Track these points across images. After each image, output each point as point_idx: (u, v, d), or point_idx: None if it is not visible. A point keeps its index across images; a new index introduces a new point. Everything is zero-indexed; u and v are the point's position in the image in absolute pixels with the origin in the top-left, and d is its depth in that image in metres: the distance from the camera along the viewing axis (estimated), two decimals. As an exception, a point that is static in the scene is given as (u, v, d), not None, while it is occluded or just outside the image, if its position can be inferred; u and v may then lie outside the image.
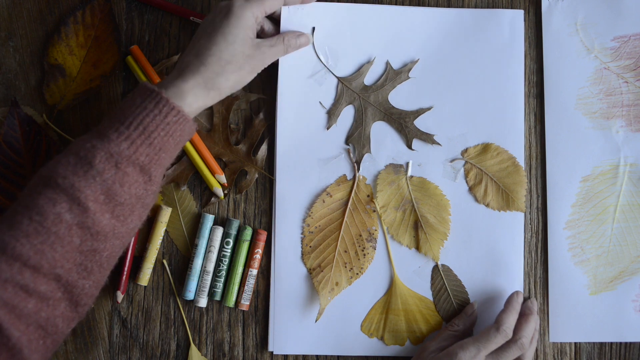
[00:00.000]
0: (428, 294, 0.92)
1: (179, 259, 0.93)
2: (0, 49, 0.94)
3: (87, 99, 0.94)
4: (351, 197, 0.92)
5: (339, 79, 0.92)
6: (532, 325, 0.87)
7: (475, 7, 0.94)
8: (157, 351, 0.92)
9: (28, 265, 0.70)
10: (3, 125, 0.91)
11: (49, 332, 0.73)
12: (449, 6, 0.94)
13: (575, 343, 0.92)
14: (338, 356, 0.92)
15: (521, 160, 0.92)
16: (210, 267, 0.91)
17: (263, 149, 0.93)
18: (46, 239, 0.71)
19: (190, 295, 0.91)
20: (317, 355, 0.92)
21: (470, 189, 0.92)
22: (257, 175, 0.93)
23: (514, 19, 0.93)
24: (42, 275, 0.71)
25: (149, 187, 0.77)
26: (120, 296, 0.91)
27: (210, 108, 0.93)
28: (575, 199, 0.92)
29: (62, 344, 0.91)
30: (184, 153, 0.92)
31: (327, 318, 0.91)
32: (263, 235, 0.91)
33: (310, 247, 0.91)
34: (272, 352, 0.91)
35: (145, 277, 0.91)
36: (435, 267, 0.92)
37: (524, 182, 0.92)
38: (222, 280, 0.91)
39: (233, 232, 0.92)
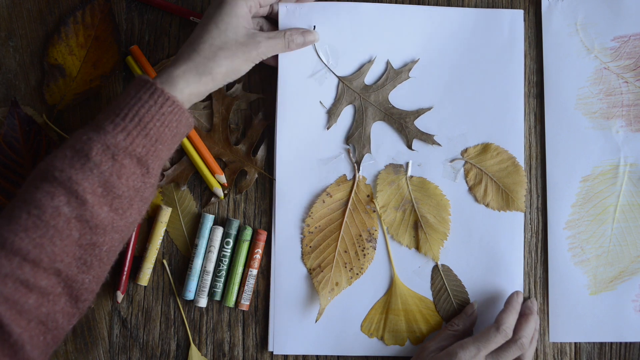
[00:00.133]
0: (428, 294, 0.92)
1: (179, 259, 0.93)
2: (0, 49, 0.94)
3: (87, 99, 0.94)
4: (351, 197, 0.92)
5: (340, 79, 0.92)
6: (532, 325, 0.87)
7: (475, 7, 0.94)
8: (157, 351, 0.92)
9: (28, 260, 0.70)
10: (3, 125, 0.92)
11: (49, 328, 0.72)
12: (449, 6, 0.94)
13: (575, 343, 0.92)
14: (338, 356, 0.92)
15: (521, 160, 0.92)
16: (210, 267, 0.91)
17: (263, 149, 0.93)
18: (45, 232, 0.71)
19: (190, 295, 0.91)
20: (317, 356, 0.92)
21: (470, 189, 0.92)
22: (257, 175, 0.93)
23: (514, 19, 0.93)
24: (42, 269, 0.71)
25: (147, 180, 0.77)
26: (120, 296, 0.91)
27: (210, 108, 0.93)
28: (575, 199, 0.92)
29: (62, 344, 0.91)
30: (183, 153, 0.92)
31: (327, 318, 0.91)
32: (263, 235, 0.91)
33: (310, 247, 0.91)
34: (272, 352, 0.91)
35: (145, 277, 0.91)
36: (435, 267, 0.92)
37: (523, 182, 0.92)
38: (222, 280, 0.91)
39: (233, 232, 0.92)
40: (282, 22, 0.90)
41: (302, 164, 0.92)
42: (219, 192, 0.92)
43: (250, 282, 0.91)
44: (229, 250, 0.92)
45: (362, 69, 0.92)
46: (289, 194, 0.92)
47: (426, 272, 0.92)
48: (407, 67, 0.92)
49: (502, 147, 0.92)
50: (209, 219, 0.92)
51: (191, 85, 0.80)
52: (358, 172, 0.92)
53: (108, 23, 0.94)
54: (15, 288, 0.69)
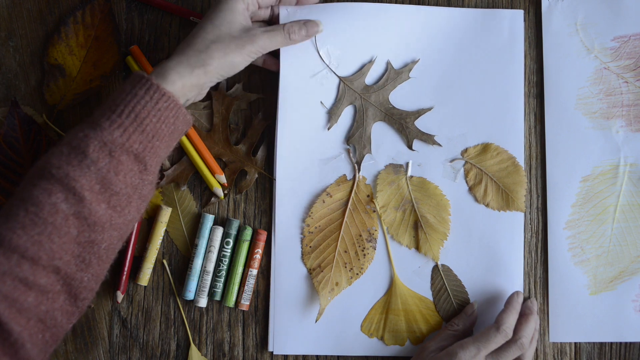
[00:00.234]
0: (428, 294, 0.92)
1: (179, 259, 0.93)
2: (0, 49, 0.94)
3: (87, 99, 0.94)
4: (351, 197, 0.92)
5: (341, 79, 0.92)
6: (532, 325, 0.87)
7: (475, 7, 0.94)
8: (157, 351, 0.92)
9: (26, 257, 0.70)
10: (3, 125, 0.92)
11: (48, 326, 0.72)
12: (449, 6, 0.94)
13: (575, 343, 0.92)
14: (338, 356, 0.92)
15: (521, 160, 0.92)
16: (210, 267, 0.91)
17: (263, 149, 0.93)
18: (43, 229, 0.71)
19: (190, 295, 0.91)
20: (317, 356, 0.92)
21: (470, 189, 0.92)
22: (257, 175, 0.93)
23: (514, 19, 0.93)
24: (40, 267, 0.71)
25: (144, 177, 0.77)
26: (120, 296, 0.91)
27: (210, 108, 0.93)
28: (575, 199, 0.92)
29: (62, 344, 0.91)
30: (183, 153, 0.92)
31: (327, 318, 0.91)
32: (263, 235, 0.91)
33: (310, 247, 0.91)
34: (272, 353, 0.91)
35: (145, 277, 0.91)
36: (435, 267, 0.92)
37: (523, 182, 0.92)
38: (222, 280, 0.91)
39: (233, 232, 0.92)
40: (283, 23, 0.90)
41: (302, 164, 0.92)
42: (219, 192, 0.92)
43: (250, 282, 0.91)
44: (229, 250, 0.92)
45: (362, 70, 0.92)
46: (289, 194, 0.92)
47: (426, 272, 0.92)
48: (407, 67, 0.92)
49: (502, 147, 0.92)
50: (209, 219, 0.92)
51: (184, 77, 0.79)
52: (359, 172, 0.92)
53: (108, 23, 0.94)
54: (14, 286, 0.69)
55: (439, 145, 0.92)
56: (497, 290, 0.91)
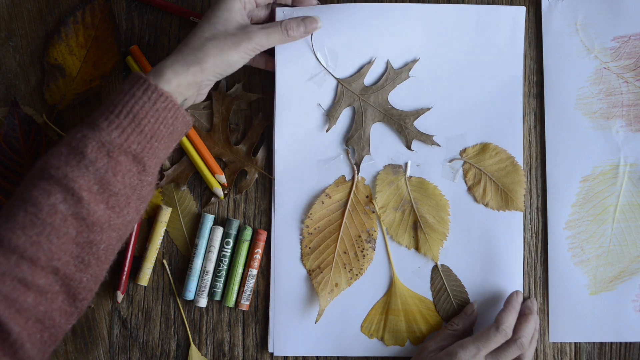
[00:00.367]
0: (428, 294, 0.92)
1: (179, 259, 0.93)
2: (0, 49, 0.94)
3: (87, 99, 0.94)
4: (350, 198, 0.92)
5: (339, 81, 0.91)
6: (532, 325, 0.87)
7: (476, 4, 0.93)
8: (157, 351, 0.92)
9: (25, 258, 0.70)
10: (3, 125, 0.92)
11: (46, 326, 0.72)
12: (449, 3, 0.94)
13: (575, 343, 0.92)
14: (338, 357, 0.92)
15: (520, 159, 0.92)
16: (210, 267, 0.91)
17: (263, 149, 0.93)
18: (42, 230, 0.71)
19: (190, 295, 0.91)
20: (317, 357, 0.92)
21: (469, 189, 0.92)
22: (257, 175, 0.93)
23: (516, 16, 0.92)
24: (39, 268, 0.71)
25: (143, 178, 0.77)
26: (120, 296, 0.91)
27: (211, 108, 0.93)
28: (575, 199, 0.92)
29: (62, 344, 0.91)
30: (183, 153, 0.92)
31: (327, 319, 0.91)
32: (263, 235, 0.91)
33: (309, 248, 0.91)
34: (272, 354, 0.92)
35: (145, 277, 0.91)
36: (435, 267, 0.92)
37: (522, 181, 0.92)
38: (222, 280, 0.91)
39: (233, 232, 0.92)
40: None
41: (300, 165, 0.92)
42: (219, 192, 0.92)
43: (250, 282, 0.91)
44: (229, 250, 0.92)
45: (361, 71, 0.91)
46: (288, 196, 0.92)
47: (426, 273, 0.92)
48: (407, 67, 0.92)
49: (500, 147, 0.92)
50: (209, 219, 0.92)
51: (179, 75, 0.79)
52: (358, 174, 0.92)
53: (108, 23, 0.94)
54: (14, 286, 0.70)
55: (438, 145, 0.92)
56: (497, 290, 0.91)
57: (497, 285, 0.91)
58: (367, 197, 0.92)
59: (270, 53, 0.90)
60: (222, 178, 0.92)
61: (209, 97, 0.92)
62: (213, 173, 0.92)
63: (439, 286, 0.92)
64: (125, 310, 0.92)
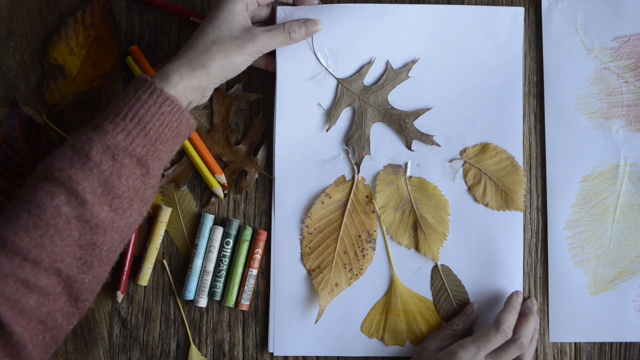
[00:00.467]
0: (428, 294, 0.92)
1: (179, 259, 0.93)
2: (0, 49, 0.94)
3: (87, 99, 0.94)
4: (350, 198, 0.92)
5: (339, 81, 0.92)
6: (532, 325, 0.87)
7: (476, 5, 0.94)
8: (157, 351, 0.92)
9: (28, 260, 0.70)
10: (3, 125, 0.92)
11: (48, 327, 0.72)
12: (449, 3, 0.94)
13: (575, 343, 0.92)
14: (338, 357, 0.92)
15: (520, 159, 0.92)
16: (210, 267, 0.91)
17: (263, 149, 0.93)
18: (45, 232, 0.71)
19: (190, 295, 0.91)
20: (317, 357, 0.92)
21: (469, 189, 0.92)
22: (257, 175, 0.93)
23: (515, 17, 0.92)
24: (42, 269, 0.71)
25: (147, 180, 0.77)
26: (120, 296, 0.91)
27: (211, 108, 0.93)
28: (575, 199, 0.92)
29: (62, 344, 0.91)
30: (184, 153, 0.92)
31: (327, 319, 0.91)
32: (263, 235, 0.91)
33: (309, 248, 0.91)
34: (272, 354, 0.92)
35: (145, 277, 0.91)
36: (435, 267, 0.92)
37: (522, 181, 0.92)
38: (222, 280, 0.91)
39: (233, 232, 0.92)
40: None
41: (300, 165, 0.92)
42: (219, 192, 0.92)
43: (250, 282, 0.91)
44: (229, 250, 0.92)
45: (361, 71, 0.91)
46: (288, 196, 0.92)
47: (426, 273, 0.92)
48: (406, 67, 0.92)
49: (500, 147, 0.92)
50: (209, 219, 0.92)
51: (185, 79, 0.79)
52: (358, 174, 0.92)
53: (108, 23, 0.94)
54: (16, 288, 0.70)
55: (438, 145, 0.92)
56: (497, 290, 0.91)
57: (497, 285, 0.91)
58: (367, 197, 0.92)
59: (271, 53, 0.90)
60: (222, 178, 0.92)
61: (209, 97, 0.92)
62: (213, 173, 0.92)
63: (439, 286, 0.92)
64: (125, 310, 0.92)
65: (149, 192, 0.78)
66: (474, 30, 0.92)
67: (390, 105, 0.92)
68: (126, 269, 0.91)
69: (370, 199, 0.92)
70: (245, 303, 0.91)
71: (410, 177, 0.92)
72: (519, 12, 0.93)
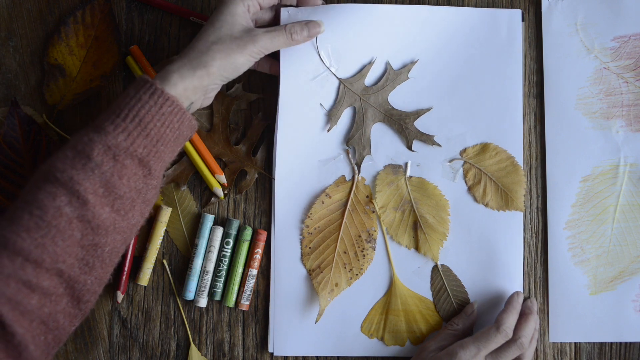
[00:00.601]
0: (428, 294, 0.92)
1: (179, 259, 0.93)
2: (0, 49, 0.94)
3: (87, 99, 0.94)
4: (350, 198, 0.92)
5: (341, 81, 0.92)
6: (532, 325, 0.87)
7: (475, 7, 0.94)
8: (157, 351, 0.92)
9: (30, 260, 0.70)
10: (3, 125, 0.92)
11: (50, 328, 0.73)
12: (448, 5, 0.94)
13: (575, 343, 0.92)
14: (338, 357, 0.92)
15: (520, 159, 0.92)
16: (210, 267, 0.91)
17: (263, 149, 0.93)
18: (47, 233, 0.71)
19: (190, 295, 0.91)
20: (317, 357, 0.92)
21: (469, 189, 0.92)
22: (257, 175, 0.93)
23: (512, 19, 0.93)
24: (44, 270, 0.71)
25: (148, 181, 0.77)
26: (120, 296, 0.91)
27: (210, 108, 0.93)
28: (575, 199, 0.92)
29: (62, 344, 0.91)
30: (184, 153, 0.92)
31: (327, 319, 0.91)
32: (263, 235, 0.91)
33: (309, 248, 0.91)
34: (272, 354, 0.92)
35: (145, 277, 0.91)
36: (435, 267, 0.92)
37: (522, 181, 0.92)
38: (222, 280, 0.91)
39: (233, 232, 0.92)
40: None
41: (301, 165, 0.92)
42: (219, 192, 0.92)
43: (250, 282, 0.91)
44: (229, 250, 0.92)
45: (362, 71, 0.91)
46: (288, 195, 0.92)
47: (426, 273, 0.92)
48: (406, 68, 0.92)
49: (500, 147, 0.92)
50: (209, 219, 0.92)
51: (186, 79, 0.79)
52: (358, 174, 0.92)
53: (108, 23, 0.94)
54: (18, 289, 0.70)
55: (439, 145, 0.92)
56: (497, 290, 0.91)
57: (497, 285, 0.91)
58: (367, 197, 0.92)
59: (274, 57, 0.90)
60: (222, 178, 0.92)
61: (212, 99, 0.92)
62: (213, 173, 0.92)
63: (439, 286, 0.92)
64: (125, 310, 0.92)
65: (151, 193, 0.78)
66: (473, 32, 0.92)
67: (390, 105, 0.92)
68: (126, 269, 0.91)
69: (370, 199, 0.92)
70: (245, 303, 0.91)
71: (410, 177, 0.92)
72: (515, 14, 0.93)
